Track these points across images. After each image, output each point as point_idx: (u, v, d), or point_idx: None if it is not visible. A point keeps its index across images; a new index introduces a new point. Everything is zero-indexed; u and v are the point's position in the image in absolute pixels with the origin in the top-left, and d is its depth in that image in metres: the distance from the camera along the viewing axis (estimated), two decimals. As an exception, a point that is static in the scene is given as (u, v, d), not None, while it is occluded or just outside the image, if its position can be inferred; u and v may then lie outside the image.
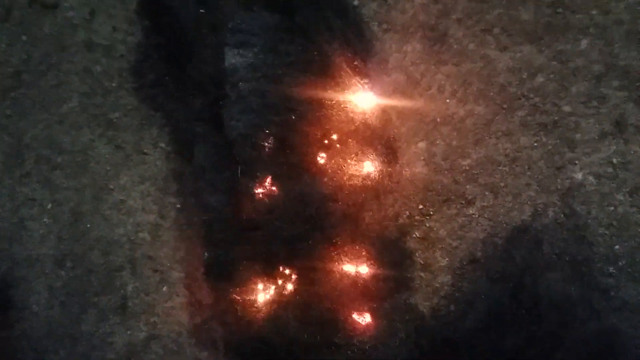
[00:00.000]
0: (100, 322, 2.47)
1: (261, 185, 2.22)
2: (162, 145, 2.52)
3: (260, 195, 2.24)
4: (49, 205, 2.54)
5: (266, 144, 2.19)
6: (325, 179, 2.23)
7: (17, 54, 2.64)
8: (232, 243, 2.24)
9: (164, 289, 2.46)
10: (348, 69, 2.29)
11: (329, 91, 2.24)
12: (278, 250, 2.17)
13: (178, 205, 2.48)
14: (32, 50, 2.63)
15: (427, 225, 2.38)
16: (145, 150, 2.53)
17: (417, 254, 2.36)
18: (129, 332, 2.45)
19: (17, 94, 2.60)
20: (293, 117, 2.18)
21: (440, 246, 2.37)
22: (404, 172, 2.40)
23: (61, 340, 2.47)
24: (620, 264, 2.26)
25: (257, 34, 2.20)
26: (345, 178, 2.27)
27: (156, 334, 2.44)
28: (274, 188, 2.20)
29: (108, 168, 2.53)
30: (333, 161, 2.28)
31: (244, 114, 2.15)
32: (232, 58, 2.19)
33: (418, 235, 2.37)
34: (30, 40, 2.64)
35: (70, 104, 2.58)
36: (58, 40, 2.62)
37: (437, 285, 2.35)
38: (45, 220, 2.53)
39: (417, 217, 2.38)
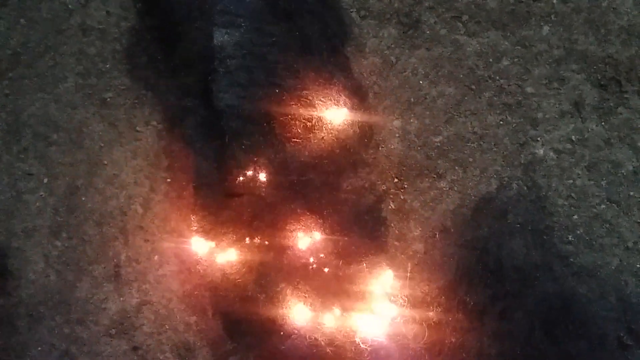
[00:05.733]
0: (94, 290, 2.44)
1: (246, 153, 2.21)
2: (154, 123, 2.50)
3: (246, 163, 2.23)
4: (46, 180, 2.50)
5: (252, 115, 2.19)
6: (306, 149, 2.23)
7: (15, 36, 2.60)
8: (219, 208, 2.24)
9: (155, 257, 2.43)
10: (328, 51, 2.30)
11: (310, 69, 2.24)
12: (262, 214, 2.17)
13: (169, 180, 2.46)
14: (30, 33, 2.59)
15: (402, 197, 2.39)
16: (137, 128, 2.50)
17: (392, 224, 2.37)
18: (121, 298, 2.43)
19: (15, 74, 2.56)
20: (277, 91, 2.18)
21: (413, 217, 2.38)
22: (380, 148, 2.41)
23: (57, 307, 2.44)
24: (578, 232, 2.29)
25: (244, 15, 2.20)
26: (324, 149, 2.27)
27: (148, 300, 2.42)
28: (258, 156, 2.20)
29: (102, 144, 2.50)
30: (313, 132, 2.28)
31: (231, 87, 2.14)
32: (220, 37, 2.19)
33: (393, 206, 2.39)
34: (28, 24, 2.60)
35: (66, 84, 2.55)
36: (55, 24, 2.59)
37: (411, 253, 2.36)
38: (41, 193, 2.49)
39: (392, 190, 2.39)
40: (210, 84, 2.16)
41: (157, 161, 2.47)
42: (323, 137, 2.28)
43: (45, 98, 2.52)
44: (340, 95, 2.31)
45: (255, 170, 2.20)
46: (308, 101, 2.25)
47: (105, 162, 2.48)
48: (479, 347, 2.21)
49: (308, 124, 2.27)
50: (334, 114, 2.31)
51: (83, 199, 2.47)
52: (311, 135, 2.27)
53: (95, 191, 2.47)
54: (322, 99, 2.27)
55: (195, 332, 2.39)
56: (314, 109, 2.27)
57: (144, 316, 2.41)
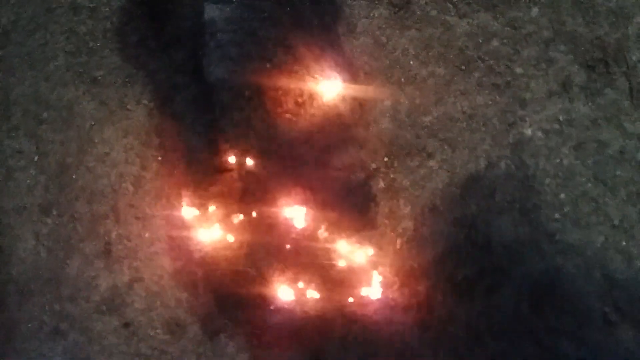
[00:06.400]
0: (85, 267, 2.43)
1: (237, 127, 2.21)
2: (145, 101, 2.49)
3: (236, 137, 2.23)
4: (36, 158, 2.48)
5: (242, 89, 2.18)
6: (297, 124, 2.23)
7: (6, 15, 2.57)
8: (210, 183, 2.23)
9: (146, 235, 2.43)
10: (319, 28, 2.30)
11: (302, 45, 2.23)
12: (253, 189, 2.17)
13: (160, 158, 2.45)
14: (21, 11, 2.57)
15: (391, 176, 2.40)
16: (128, 107, 2.49)
17: (382, 202, 2.38)
18: (112, 275, 2.42)
19: (5, 52, 2.54)
20: (268, 66, 2.18)
21: (403, 195, 2.39)
22: (370, 127, 2.41)
23: (47, 284, 2.43)
24: (565, 210, 2.31)
25: (235, -9, 2.19)
26: (315, 125, 2.27)
27: (139, 277, 2.41)
28: (249, 130, 2.19)
29: (92, 123, 2.49)
30: (304, 108, 2.28)
31: (222, 61, 2.14)
32: (211, 12, 2.17)
33: (383, 185, 2.39)
34: (18, 3, 2.58)
35: (56, 63, 2.53)
36: (45, 3, 2.56)
37: (400, 230, 2.37)
38: (32, 171, 2.48)
39: (382, 169, 2.40)
40: (200, 58, 2.15)
41: (148, 139, 2.45)
42: (314, 113, 2.28)
43: (35, 76, 2.50)
44: (331, 72, 2.31)
45: (245, 144, 2.20)
46: (299, 77, 2.25)
47: (96, 141, 2.47)
48: (467, 321, 2.23)
49: (299, 99, 2.26)
50: (325, 91, 2.31)
51: (74, 176, 2.45)
52: (302, 111, 2.27)
53: (86, 169, 2.45)
54: (313, 76, 2.27)
55: (186, 308, 2.38)
56: (305, 85, 2.27)
57: (135, 293, 2.40)
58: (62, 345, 2.41)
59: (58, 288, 2.41)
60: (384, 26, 2.44)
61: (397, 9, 2.44)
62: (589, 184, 2.31)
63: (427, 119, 2.40)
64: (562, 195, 2.31)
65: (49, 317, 2.41)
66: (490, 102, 2.38)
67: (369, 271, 2.32)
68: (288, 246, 2.32)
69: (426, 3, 2.44)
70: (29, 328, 2.41)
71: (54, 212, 2.44)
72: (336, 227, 2.33)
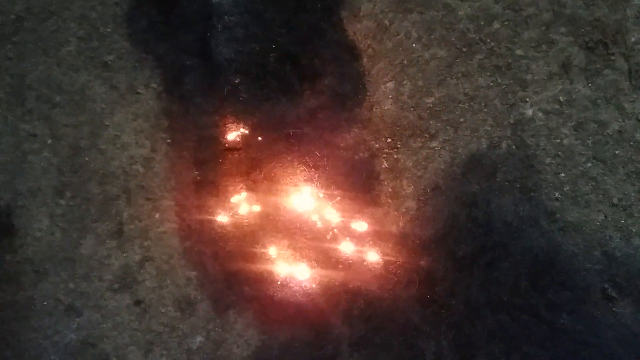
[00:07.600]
0: (98, 246, 2.49)
1: (244, 106, 2.25)
2: (154, 85, 2.53)
3: (243, 116, 2.27)
4: (49, 141, 2.54)
5: (249, 69, 2.22)
6: (301, 103, 2.27)
7: (19, 2, 2.62)
8: (218, 163, 2.28)
9: (157, 215, 2.48)
10: (323, 11, 2.33)
11: (306, 28, 2.27)
12: (260, 167, 2.21)
13: (169, 140, 2.50)
14: (33, -1, 2.61)
15: (395, 157, 2.43)
16: (138, 90, 2.54)
17: (385, 182, 2.42)
18: (124, 254, 2.48)
19: (18, 38, 2.59)
20: (273, 47, 2.22)
21: (406, 176, 2.42)
22: (374, 108, 2.45)
23: (62, 263, 2.49)
24: (564, 189, 2.33)
25: (241, -25, 2.23)
26: (319, 104, 2.31)
27: (150, 256, 2.47)
28: (255, 109, 2.24)
29: (104, 106, 2.54)
30: (309, 88, 2.31)
31: (229, 42, 2.18)
32: (219, -4, 2.23)
33: (386, 165, 2.43)
34: (30, -10, 2.62)
35: (68, 48, 2.58)
36: (56, -10, 2.61)
37: (404, 210, 2.41)
38: (45, 154, 2.53)
39: (385, 150, 2.44)
40: (208, 40, 2.19)
41: (157, 122, 2.50)
42: (318, 93, 2.31)
43: (48, 61, 2.55)
44: (334, 54, 2.34)
45: (252, 124, 2.24)
46: (304, 58, 2.28)
47: (107, 124, 2.51)
48: (468, 296, 2.27)
49: (304, 78, 2.30)
50: (328, 72, 2.34)
51: (86, 159, 2.51)
52: (307, 89, 2.30)
53: (98, 152, 2.51)
54: (317, 57, 2.30)
55: (196, 286, 2.44)
56: (310, 66, 2.30)
57: (146, 271, 2.46)
58: (77, 322, 2.47)
59: (72, 267, 2.48)
60: (386, 9, 2.47)
61: (399, -7, 2.46)
62: (589, 164, 2.33)
63: (429, 101, 2.43)
64: (562, 175, 2.34)
65: (64, 296, 2.48)
66: (491, 84, 2.40)
67: (372, 248, 2.37)
68: (294, 224, 2.36)
69: (428, -13, 2.46)
70: (44, 306, 2.48)
71: (68, 194, 2.50)
72: (341, 205, 2.37)
